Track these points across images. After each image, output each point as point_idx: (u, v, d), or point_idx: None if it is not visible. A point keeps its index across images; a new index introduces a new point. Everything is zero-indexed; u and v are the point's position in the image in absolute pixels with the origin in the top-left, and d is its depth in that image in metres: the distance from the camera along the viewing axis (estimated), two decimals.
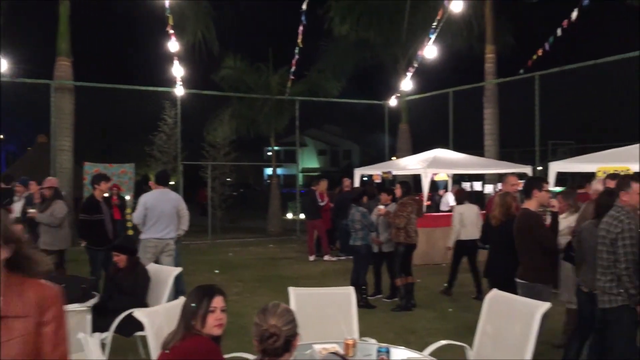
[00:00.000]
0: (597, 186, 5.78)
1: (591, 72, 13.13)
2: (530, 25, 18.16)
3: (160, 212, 7.55)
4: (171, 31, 14.33)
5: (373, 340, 4.28)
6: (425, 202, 12.37)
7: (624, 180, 4.67)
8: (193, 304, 3.09)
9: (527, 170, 13.06)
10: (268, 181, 21.97)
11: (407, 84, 16.63)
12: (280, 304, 2.65)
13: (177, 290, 6.95)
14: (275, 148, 20.51)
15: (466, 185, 14.38)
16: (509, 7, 17.20)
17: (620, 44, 12.99)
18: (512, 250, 5.86)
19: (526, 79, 14.17)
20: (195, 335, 3.05)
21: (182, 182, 16.40)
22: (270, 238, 17.50)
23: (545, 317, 5.21)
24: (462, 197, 9.77)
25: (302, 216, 20.47)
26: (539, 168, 14.02)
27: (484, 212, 12.23)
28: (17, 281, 1.91)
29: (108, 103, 15.74)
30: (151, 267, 6.15)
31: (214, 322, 3.07)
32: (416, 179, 13.28)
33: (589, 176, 8.59)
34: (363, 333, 4.85)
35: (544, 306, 4.01)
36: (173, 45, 14.57)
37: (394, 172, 13.64)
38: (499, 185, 11.94)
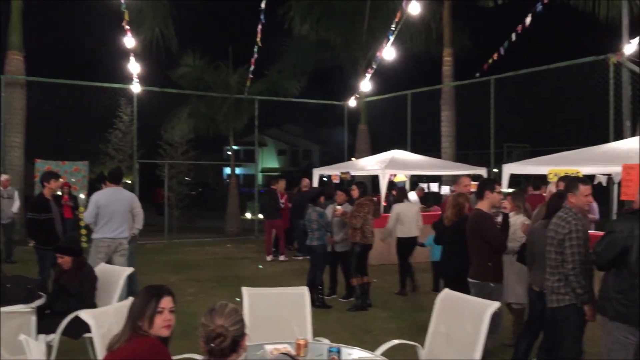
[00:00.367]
0: (551, 188, 5.92)
1: (545, 77, 13.45)
2: (487, 30, 18.50)
3: (112, 211, 7.38)
4: (127, 27, 14.04)
5: (326, 340, 4.27)
6: (383, 203, 12.47)
7: (571, 182, 4.77)
8: (141, 304, 3.01)
9: (482, 172, 13.29)
10: (228, 181, 21.77)
11: (366, 85, 16.72)
12: (227, 304, 2.61)
13: (131, 291, 6.80)
14: (235, 147, 20.35)
15: (423, 186, 14.55)
16: (467, 12, 17.49)
17: (573, 50, 13.36)
18: (464, 250, 5.94)
19: (482, 82, 14.42)
20: (143, 336, 2.97)
21: (138, 180, 16.11)
22: (228, 238, 17.36)
23: (498, 314, 5.32)
24: (402, 196, 9.93)
25: (260, 216, 20.38)
26: (495, 170, 14.28)
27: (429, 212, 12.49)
28: None
29: (61, 99, 15.31)
30: (102, 268, 6.01)
31: (162, 323, 3.00)
32: (375, 179, 13.37)
33: (545, 178, 8.79)
34: (318, 333, 4.83)
35: (494, 305, 4.07)
36: (129, 41, 14.28)
37: (353, 173, 13.68)
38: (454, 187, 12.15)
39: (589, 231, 5.39)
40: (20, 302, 4.85)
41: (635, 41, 11.16)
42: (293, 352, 3.56)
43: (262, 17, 15.01)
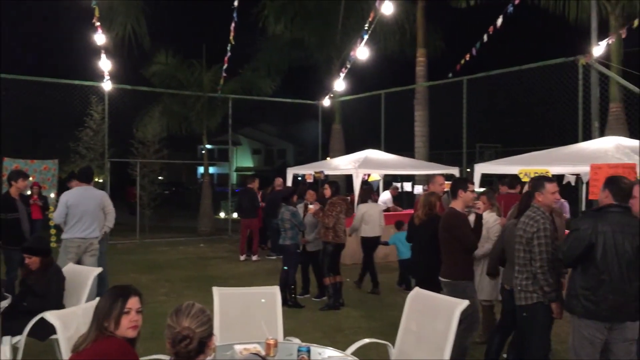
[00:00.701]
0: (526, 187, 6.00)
1: (516, 78, 13.62)
2: (459, 31, 18.68)
3: (83, 210, 7.26)
4: (97, 23, 13.82)
5: (297, 340, 4.26)
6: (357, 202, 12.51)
7: (537, 181, 4.84)
8: (107, 305, 2.96)
9: (455, 171, 13.41)
10: (201, 180, 21.62)
11: (340, 84, 16.74)
12: (194, 304, 2.58)
13: (101, 292, 6.70)
14: (208, 146, 20.21)
15: (397, 185, 14.61)
16: (440, 12, 17.63)
17: (543, 51, 13.55)
18: (435, 249, 5.98)
19: (455, 82, 14.55)
20: (109, 337, 2.93)
21: (109, 179, 15.90)
22: (201, 237, 17.24)
23: (475, 313, 5.37)
24: (366, 196, 10.04)
25: (235, 215, 20.27)
26: (467, 170, 14.42)
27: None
28: None
29: (30, 96, 15.02)
30: (70, 268, 5.91)
31: (128, 324, 2.96)
32: (349, 179, 13.39)
33: (517, 178, 8.92)
34: (290, 332, 4.82)
35: (463, 304, 4.10)
36: (100, 38, 14.07)
37: (326, 172, 13.68)
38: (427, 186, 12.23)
39: (566, 230, 5.49)
40: None
41: (603, 43, 11.36)
42: (263, 352, 3.54)
43: (235, 15, 14.92)
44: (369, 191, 10.44)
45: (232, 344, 3.73)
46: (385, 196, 14.08)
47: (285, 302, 8.02)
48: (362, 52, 14.54)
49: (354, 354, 4.01)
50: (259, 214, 13.33)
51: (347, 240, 8.74)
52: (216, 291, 4.56)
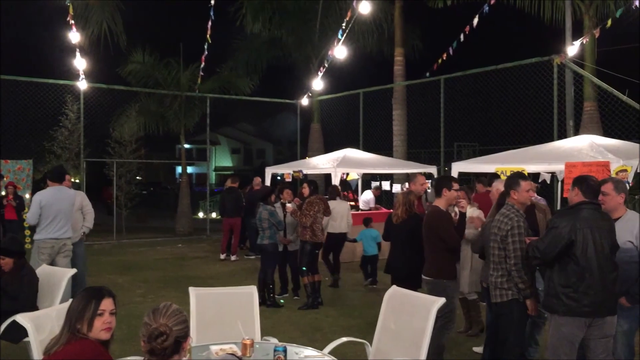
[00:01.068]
0: (498, 186, 6.02)
1: (492, 77, 13.74)
2: (437, 30, 18.80)
3: (56, 210, 7.16)
4: (72, 21, 13.63)
5: (274, 340, 4.24)
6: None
7: (512, 179, 4.89)
8: (80, 306, 2.92)
9: (433, 170, 13.49)
10: (179, 179, 21.48)
11: (318, 83, 16.75)
12: (172, 305, 2.57)
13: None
14: (187, 146, 20.09)
15: (379, 185, 14.65)
16: (417, 12, 17.72)
17: (519, 50, 13.70)
18: (413, 247, 6.02)
19: (432, 82, 14.64)
20: (81, 339, 2.88)
21: (85, 179, 15.70)
22: (180, 238, 17.12)
23: (452, 311, 5.40)
24: (334, 194, 10.18)
25: (213, 215, 20.18)
26: (445, 169, 14.52)
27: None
28: None
29: (3, 95, 14.78)
30: (44, 269, 5.82)
31: (101, 326, 2.91)
32: (327, 178, 13.40)
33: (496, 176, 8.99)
34: (268, 332, 4.81)
35: (440, 301, 4.12)
36: (74, 36, 13.88)
37: (305, 171, 13.68)
38: (407, 185, 12.30)
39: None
40: None
41: (577, 43, 11.52)
42: (239, 352, 3.52)
43: (211, 13, 14.84)
44: (337, 189, 10.54)
45: (208, 345, 3.71)
46: (368, 196, 14.11)
47: (263, 302, 8.03)
48: (340, 51, 14.56)
49: (331, 353, 4.01)
50: (240, 214, 13.28)
51: (324, 239, 8.75)
52: (193, 291, 4.53)
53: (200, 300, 4.51)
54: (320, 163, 13.73)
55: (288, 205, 8.58)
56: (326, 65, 15.55)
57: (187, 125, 18.56)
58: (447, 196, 5.49)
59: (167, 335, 2.47)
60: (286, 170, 14.26)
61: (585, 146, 8.81)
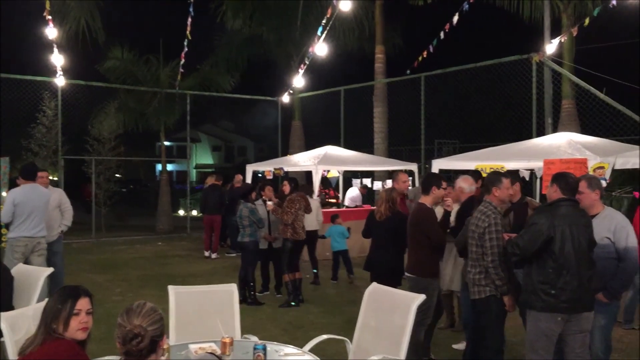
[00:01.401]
0: (460, 184, 6.01)
1: (472, 75, 13.84)
2: (417, 28, 18.87)
3: (30, 208, 7.06)
4: (49, 17, 13.43)
5: (255, 338, 4.22)
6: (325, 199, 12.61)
7: (495, 176, 4.91)
8: (55, 306, 2.87)
9: (414, 167, 13.54)
10: (160, 177, 21.32)
11: (299, 81, 16.72)
12: (146, 304, 2.53)
13: None
14: (167, 143, 19.93)
15: (355, 182, 14.67)
16: (398, 10, 17.76)
17: (499, 48, 13.79)
18: (395, 245, 6.03)
19: (413, 79, 14.69)
20: (57, 339, 2.84)
21: (63, 177, 15.50)
22: (160, 236, 16.98)
23: (429, 308, 5.42)
24: (305, 191, 10.11)
25: (194, 213, 20.04)
26: (426, 166, 14.58)
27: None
28: None
29: None
30: (20, 268, 5.73)
31: (77, 326, 2.87)
32: (308, 175, 13.40)
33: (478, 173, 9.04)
34: (249, 330, 4.78)
35: (420, 298, 4.13)
36: (51, 32, 13.68)
37: (286, 169, 13.66)
38: (388, 182, 12.34)
39: None
40: None
41: (556, 41, 11.63)
42: (218, 350, 3.50)
43: (191, 9, 14.71)
44: (307, 186, 10.56)
45: (186, 343, 3.67)
46: (354, 192, 14.11)
47: (244, 300, 8.00)
48: (320, 49, 14.54)
49: (312, 350, 3.99)
50: (222, 211, 13.22)
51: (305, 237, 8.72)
52: (172, 290, 4.49)
53: (180, 298, 4.47)
54: (301, 160, 13.71)
55: (269, 203, 8.56)
56: (307, 62, 15.52)
57: (167, 123, 18.42)
58: (435, 194, 5.50)
59: (142, 336, 2.43)
60: (267, 167, 14.23)
61: (563, 143, 8.90)
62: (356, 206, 13.60)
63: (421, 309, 5.01)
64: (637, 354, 6.15)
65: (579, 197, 4.53)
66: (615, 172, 8.00)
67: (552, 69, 11.80)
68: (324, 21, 13.74)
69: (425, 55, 13.68)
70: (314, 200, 10.24)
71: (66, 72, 15.08)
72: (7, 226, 7.30)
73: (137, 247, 14.71)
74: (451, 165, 10.02)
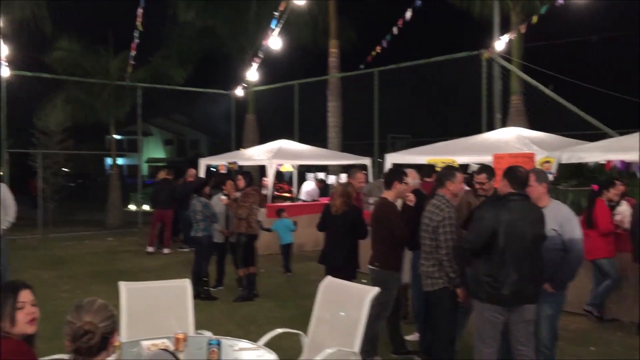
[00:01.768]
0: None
1: (425, 70, 14.02)
2: (371, 23, 18.96)
3: None
4: None
5: (209, 333, 4.19)
6: (273, 192, 12.54)
7: (449, 170, 5.00)
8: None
9: (367, 161, 13.66)
10: (110, 171, 20.85)
11: (253, 74, 16.60)
12: (96, 300, 2.47)
13: None
14: (117, 136, 19.49)
15: (309, 176, 14.69)
16: (352, 4, 17.82)
17: (451, 44, 14.03)
18: (350, 238, 6.08)
19: (367, 74, 14.78)
20: (5, 338, 2.74)
21: (8, 172, 14.96)
22: (110, 231, 16.62)
23: (387, 301, 5.48)
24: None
25: (146, 207, 19.67)
26: (379, 160, 14.72)
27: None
28: None
29: None
30: None
31: (25, 318, 2.78)
32: (262, 169, 13.34)
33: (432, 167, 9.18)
34: (203, 325, 4.73)
35: (374, 291, 4.17)
36: None
37: (240, 163, 13.56)
38: (342, 176, 12.42)
39: None
40: None
41: (505, 38, 11.90)
42: (172, 347, 3.45)
43: (142, 0, 14.39)
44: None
45: (138, 340, 3.61)
46: (310, 186, 14.07)
47: (197, 295, 7.90)
48: (274, 42, 14.47)
49: (266, 344, 3.99)
50: (173, 206, 13.01)
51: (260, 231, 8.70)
52: (123, 286, 4.40)
53: (131, 294, 4.38)
54: (255, 154, 13.65)
55: (222, 197, 8.48)
56: (261, 56, 15.42)
57: (118, 116, 18.01)
58: (398, 189, 5.55)
59: (93, 333, 2.38)
60: (221, 161, 14.10)
61: (512, 138, 9.13)
62: (313, 200, 13.62)
63: (380, 302, 5.08)
64: (582, 340, 6.39)
65: (529, 190, 4.65)
66: (561, 167, 8.25)
67: (502, 65, 12.07)
68: (277, 14, 13.67)
69: (379, 51, 13.79)
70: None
71: (11, 62, 14.54)
72: None
73: (86, 242, 14.36)
74: (404, 159, 10.15)
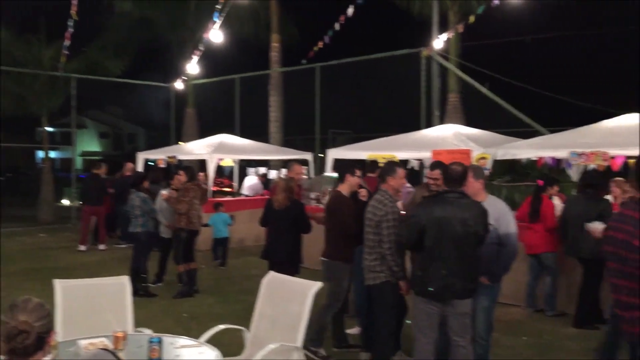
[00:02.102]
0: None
1: (366, 66, 14.18)
2: (313, 18, 19.01)
3: None
4: None
5: (149, 331, 4.10)
6: (212, 187, 12.36)
7: (390, 166, 5.08)
8: None
9: (309, 156, 13.70)
10: (41, 165, 20.10)
11: (193, 67, 16.33)
12: (31, 299, 2.39)
13: None
14: (49, 129, 18.79)
15: (251, 171, 14.60)
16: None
17: (392, 41, 14.24)
18: (293, 233, 6.10)
19: (308, 69, 14.81)
20: None
21: None
22: (42, 227, 16.00)
23: (339, 293, 5.52)
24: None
25: (79, 202, 19.07)
26: (320, 155, 14.79)
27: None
28: None
29: None
30: None
31: None
32: (203, 164, 13.16)
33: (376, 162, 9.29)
34: (142, 323, 4.63)
35: (317, 285, 4.20)
36: None
37: (180, 157, 13.34)
38: (283, 171, 12.39)
39: None
40: None
41: (443, 37, 12.17)
42: (111, 345, 3.36)
43: None
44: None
45: (75, 339, 3.51)
46: (253, 181, 13.94)
47: (136, 292, 7.73)
48: (215, 35, 14.27)
49: (208, 341, 3.95)
50: (105, 202, 12.63)
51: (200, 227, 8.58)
52: (58, 284, 4.25)
53: (67, 292, 4.24)
54: (196, 148, 13.47)
55: (163, 192, 8.33)
56: (201, 48, 15.19)
57: (50, 107, 17.35)
58: (350, 182, 5.64)
59: (28, 332, 2.30)
60: (160, 155, 13.83)
61: (450, 135, 9.36)
62: (256, 194, 13.52)
63: (331, 292, 5.12)
64: (516, 330, 6.64)
65: (465, 186, 4.77)
66: (496, 163, 8.52)
67: (440, 63, 12.34)
68: (219, 7, 13.49)
69: (321, 46, 13.84)
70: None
71: None
72: None
73: (17, 239, 13.78)
74: (345, 154, 10.25)
